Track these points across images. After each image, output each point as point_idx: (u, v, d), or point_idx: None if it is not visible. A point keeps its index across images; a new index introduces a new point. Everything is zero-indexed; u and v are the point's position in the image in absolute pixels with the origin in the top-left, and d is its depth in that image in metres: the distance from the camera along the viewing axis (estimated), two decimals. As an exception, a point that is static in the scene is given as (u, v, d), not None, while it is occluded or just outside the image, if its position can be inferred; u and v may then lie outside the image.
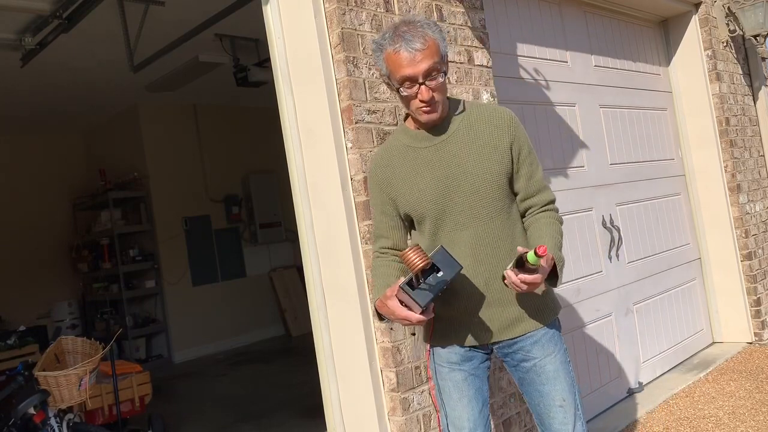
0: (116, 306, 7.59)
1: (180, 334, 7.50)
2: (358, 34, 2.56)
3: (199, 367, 7.01)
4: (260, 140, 8.15)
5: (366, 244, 2.48)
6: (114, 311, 7.58)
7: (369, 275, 2.40)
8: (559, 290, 3.57)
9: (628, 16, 4.63)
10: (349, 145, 2.51)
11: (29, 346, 5.11)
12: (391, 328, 1.87)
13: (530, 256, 1.65)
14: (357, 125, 2.50)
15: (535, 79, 3.69)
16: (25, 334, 5.30)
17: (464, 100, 1.97)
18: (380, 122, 2.57)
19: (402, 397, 2.46)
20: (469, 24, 3.05)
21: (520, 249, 1.71)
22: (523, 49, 3.65)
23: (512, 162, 1.89)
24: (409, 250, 1.70)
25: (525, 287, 1.71)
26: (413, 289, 1.70)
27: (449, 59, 2.90)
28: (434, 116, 1.83)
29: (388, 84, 1.86)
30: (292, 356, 6.91)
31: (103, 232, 7.45)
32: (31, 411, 3.23)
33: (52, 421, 3.28)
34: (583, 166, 3.95)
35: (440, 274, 1.70)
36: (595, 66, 4.25)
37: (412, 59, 1.73)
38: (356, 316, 2.49)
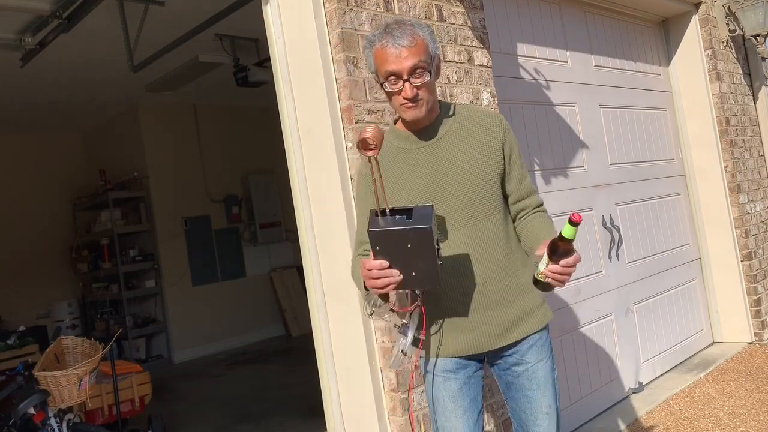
0: (116, 306, 7.59)
1: (180, 334, 7.50)
2: (358, 34, 2.55)
3: (199, 367, 7.01)
4: (260, 140, 8.14)
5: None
6: (114, 311, 7.58)
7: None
8: (559, 290, 3.58)
9: (628, 16, 4.63)
10: (349, 145, 2.51)
11: (29, 346, 5.09)
12: (394, 324, 1.77)
13: (566, 231, 1.55)
14: (357, 125, 2.50)
15: (535, 79, 3.69)
16: (25, 334, 5.29)
17: (455, 104, 1.96)
18: (380, 122, 2.57)
19: (402, 397, 2.46)
20: (469, 24, 3.05)
21: (547, 243, 1.62)
22: (523, 49, 3.65)
23: (504, 163, 1.88)
24: (367, 126, 1.57)
25: (572, 270, 1.62)
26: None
27: (449, 59, 2.91)
28: (418, 113, 1.80)
29: (377, 81, 1.85)
30: (292, 356, 6.91)
31: (103, 232, 7.45)
32: (31, 411, 3.22)
33: (52, 421, 3.28)
34: (583, 166, 3.95)
35: (409, 221, 1.58)
36: (595, 66, 4.25)
37: (398, 55, 1.73)
38: (356, 316, 2.49)
